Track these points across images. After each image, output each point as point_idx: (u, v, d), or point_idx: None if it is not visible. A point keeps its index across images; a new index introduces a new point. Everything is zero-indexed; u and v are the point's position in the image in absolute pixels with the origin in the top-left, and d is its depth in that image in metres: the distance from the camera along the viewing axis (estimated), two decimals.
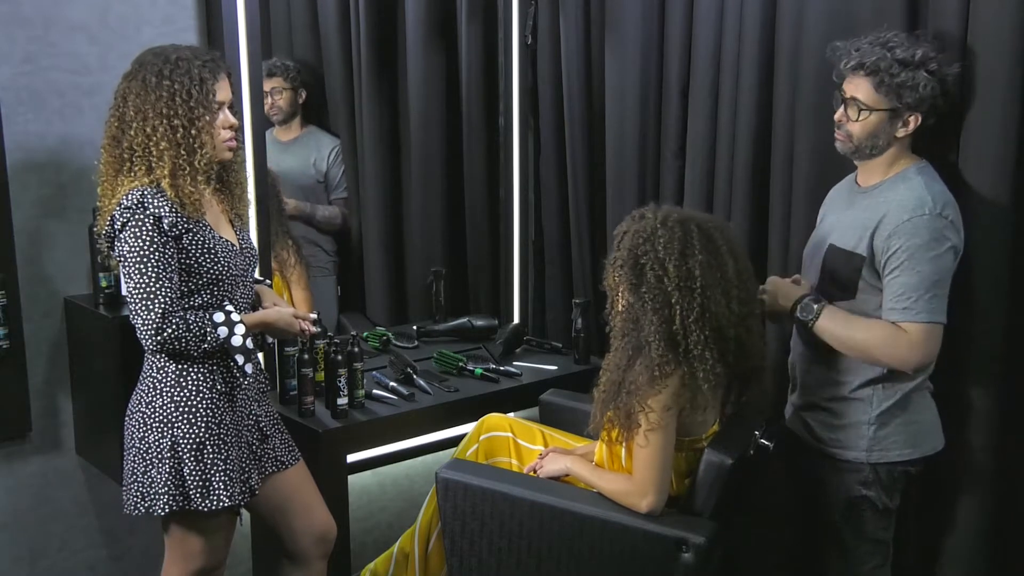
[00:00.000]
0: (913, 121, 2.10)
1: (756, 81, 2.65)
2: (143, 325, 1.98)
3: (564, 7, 3.14)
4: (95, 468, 2.60)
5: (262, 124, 2.66)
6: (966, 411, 2.26)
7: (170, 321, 1.98)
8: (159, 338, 1.98)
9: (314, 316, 2.35)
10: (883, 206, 2.10)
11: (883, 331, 2.06)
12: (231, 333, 2.04)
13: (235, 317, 2.06)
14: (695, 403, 2.09)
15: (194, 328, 2.00)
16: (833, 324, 2.12)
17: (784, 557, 2.60)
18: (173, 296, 2.00)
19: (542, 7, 3.21)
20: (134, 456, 2.08)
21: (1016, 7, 2.09)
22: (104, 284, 2.46)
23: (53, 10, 2.45)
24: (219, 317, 2.04)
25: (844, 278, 2.16)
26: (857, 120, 2.12)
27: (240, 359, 2.06)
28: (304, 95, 3.28)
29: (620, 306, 2.14)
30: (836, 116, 2.19)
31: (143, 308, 1.97)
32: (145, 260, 1.97)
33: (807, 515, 2.32)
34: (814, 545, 2.31)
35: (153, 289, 1.97)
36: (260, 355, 2.34)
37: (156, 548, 2.75)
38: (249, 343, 2.08)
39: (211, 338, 2.02)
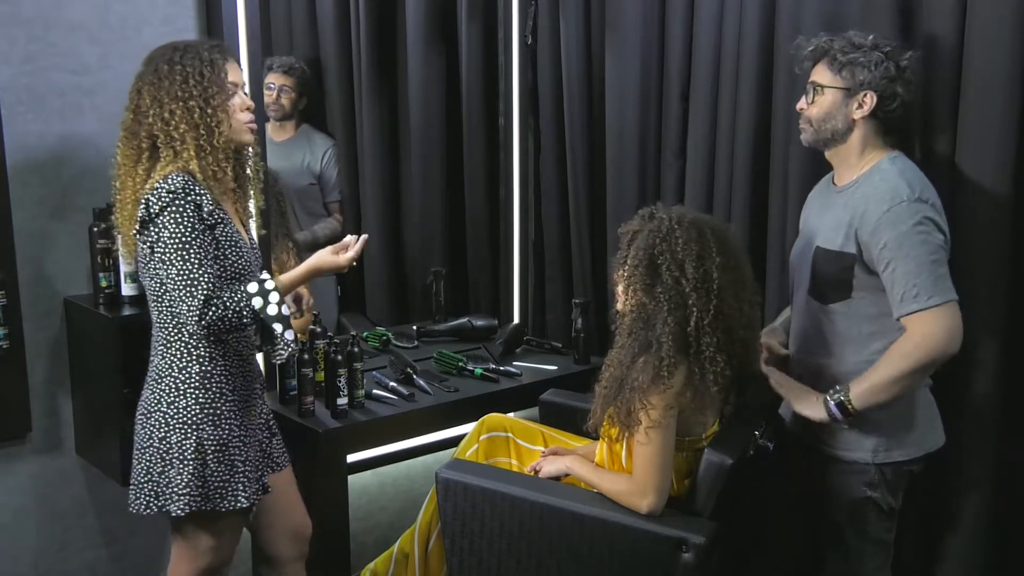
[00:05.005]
0: (869, 101, 2.11)
1: (756, 81, 2.65)
2: (188, 311, 1.97)
3: (564, 7, 3.14)
4: (95, 468, 2.60)
5: (262, 124, 2.66)
6: (966, 409, 2.27)
7: (212, 304, 1.98)
8: (203, 323, 1.98)
9: (354, 239, 2.20)
10: (861, 201, 2.09)
11: (912, 347, 2.01)
12: (266, 303, 2.01)
13: (268, 285, 2.03)
14: (700, 404, 2.09)
15: (231, 304, 1.99)
16: (871, 389, 2.05)
17: (784, 557, 2.59)
18: (213, 281, 1.99)
19: (542, 7, 3.21)
20: (151, 456, 2.06)
21: (1015, 7, 2.09)
22: (104, 284, 2.46)
23: (53, 10, 2.45)
24: (252, 287, 2.02)
25: (836, 279, 2.15)
26: (813, 102, 2.16)
27: (279, 327, 2.03)
28: (305, 102, 3.29)
29: (630, 305, 2.13)
30: (798, 106, 2.21)
31: (187, 295, 1.97)
32: (187, 246, 1.97)
33: (808, 515, 2.32)
34: (815, 545, 2.31)
35: (196, 275, 1.97)
36: (259, 355, 2.33)
37: (156, 548, 2.76)
38: (285, 310, 2.04)
39: (247, 311, 2.00)
